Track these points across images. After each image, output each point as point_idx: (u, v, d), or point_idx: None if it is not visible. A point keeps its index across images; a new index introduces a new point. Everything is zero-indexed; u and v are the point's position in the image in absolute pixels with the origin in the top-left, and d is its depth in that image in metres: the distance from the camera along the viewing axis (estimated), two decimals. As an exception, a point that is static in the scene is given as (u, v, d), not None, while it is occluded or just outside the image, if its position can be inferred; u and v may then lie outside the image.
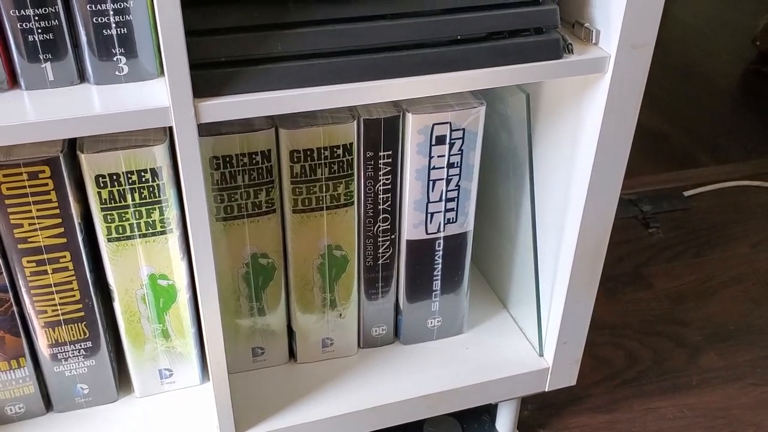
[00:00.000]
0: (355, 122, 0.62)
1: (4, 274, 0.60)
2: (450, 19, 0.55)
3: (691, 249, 1.19)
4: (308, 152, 0.63)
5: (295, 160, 0.63)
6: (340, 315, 0.73)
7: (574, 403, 0.92)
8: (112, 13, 0.49)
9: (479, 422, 0.87)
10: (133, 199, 0.59)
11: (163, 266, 0.63)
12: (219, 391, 0.64)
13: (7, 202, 0.56)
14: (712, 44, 1.92)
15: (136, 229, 0.60)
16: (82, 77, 0.51)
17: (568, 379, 0.77)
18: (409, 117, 0.63)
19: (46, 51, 0.49)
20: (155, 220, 0.60)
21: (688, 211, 1.28)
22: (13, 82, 0.51)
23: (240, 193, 0.63)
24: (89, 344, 0.65)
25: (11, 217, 0.57)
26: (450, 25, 0.55)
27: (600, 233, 0.67)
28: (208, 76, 0.51)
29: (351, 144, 0.63)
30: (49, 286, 0.61)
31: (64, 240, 0.59)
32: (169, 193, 0.60)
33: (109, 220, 0.59)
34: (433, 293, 0.74)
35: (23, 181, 0.56)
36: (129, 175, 0.58)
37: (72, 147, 0.57)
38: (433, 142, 0.65)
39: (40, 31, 0.49)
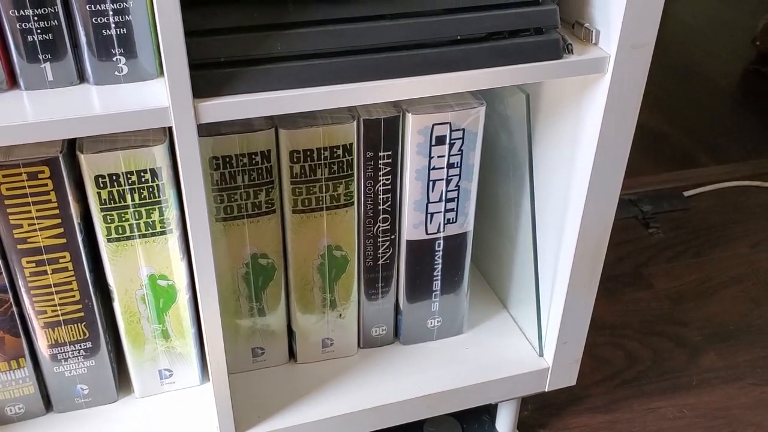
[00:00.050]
0: (355, 122, 0.62)
1: (4, 274, 0.60)
2: (450, 19, 0.55)
3: (691, 249, 1.19)
4: (308, 152, 0.63)
5: (295, 160, 0.63)
6: (340, 315, 0.73)
7: (574, 403, 0.92)
8: (111, 13, 0.49)
9: (479, 422, 0.87)
10: (133, 200, 0.59)
11: (163, 266, 0.63)
12: (219, 392, 0.64)
13: (7, 202, 0.56)
14: (712, 44, 1.92)
15: (135, 230, 0.60)
16: (82, 77, 0.51)
17: (568, 379, 0.77)
18: (409, 117, 0.63)
19: (46, 51, 0.49)
20: (155, 221, 0.60)
21: (688, 211, 1.28)
22: (13, 82, 0.51)
23: (240, 193, 0.63)
24: (89, 345, 0.65)
25: (11, 217, 0.57)
26: (450, 25, 0.55)
27: (600, 233, 0.67)
28: (208, 76, 0.51)
29: (351, 144, 0.63)
30: (49, 286, 0.61)
31: (63, 240, 0.59)
32: (168, 194, 0.60)
33: (109, 221, 0.59)
34: (433, 293, 0.74)
35: (23, 181, 0.56)
36: (129, 176, 0.58)
37: (71, 147, 0.57)
38: (433, 143, 0.65)
39: (39, 31, 0.49)
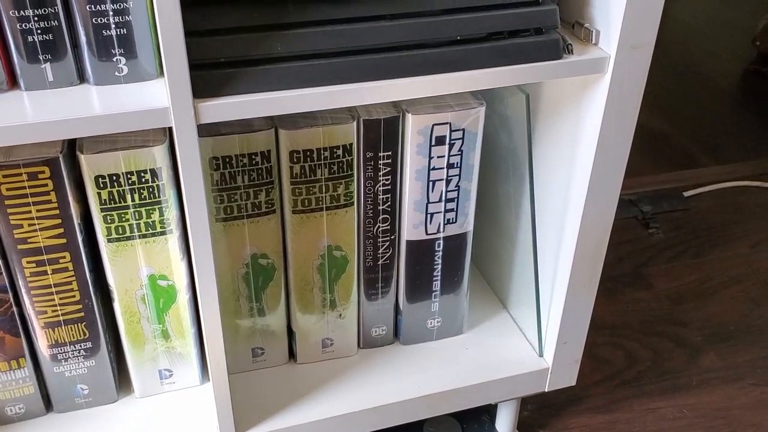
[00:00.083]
0: (355, 123, 0.62)
1: (4, 274, 0.60)
2: (450, 19, 0.55)
3: (690, 249, 1.19)
4: (308, 153, 0.63)
5: (295, 160, 0.63)
6: (340, 315, 0.73)
7: (574, 403, 0.92)
8: (111, 13, 0.49)
9: (479, 422, 0.87)
10: (133, 200, 0.59)
11: (163, 267, 0.63)
12: (219, 392, 0.64)
13: (7, 202, 0.56)
14: (712, 44, 1.92)
15: (135, 230, 0.60)
16: (82, 78, 0.51)
17: (567, 379, 0.77)
18: (409, 117, 0.63)
19: (46, 51, 0.49)
20: (155, 221, 0.60)
21: (687, 211, 1.28)
22: (13, 82, 0.51)
23: (240, 193, 0.63)
24: (89, 345, 0.65)
25: (11, 217, 0.57)
26: (450, 26, 0.55)
27: (600, 233, 0.67)
28: (208, 76, 0.51)
29: (351, 144, 0.63)
30: (49, 286, 0.61)
31: (63, 240, 0.59)
32: (168, 194, 0.60)
33: (109, 221, 0.59)
34: (433, 293, 0.74)
35: (23, 181, 0.56)
36: (129, 176, 0.58)
37: (72, 147, 0.57)
38: (433, 143, 0.65)
39: (39, 31, 0.49)
